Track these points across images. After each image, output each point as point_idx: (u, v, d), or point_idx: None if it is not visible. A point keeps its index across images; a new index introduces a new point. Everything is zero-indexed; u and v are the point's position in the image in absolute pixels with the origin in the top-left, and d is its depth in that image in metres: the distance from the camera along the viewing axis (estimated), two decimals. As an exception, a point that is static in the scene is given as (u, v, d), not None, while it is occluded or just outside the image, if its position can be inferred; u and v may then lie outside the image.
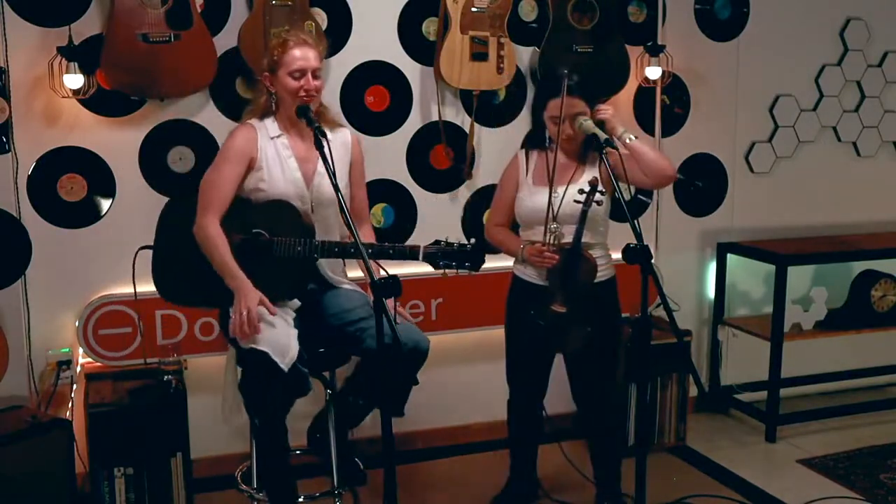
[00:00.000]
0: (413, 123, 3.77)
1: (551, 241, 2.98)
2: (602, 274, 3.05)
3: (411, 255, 2.70)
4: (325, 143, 2.53)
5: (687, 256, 4.36)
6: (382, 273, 2.43)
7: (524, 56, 3.85)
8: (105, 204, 3.42)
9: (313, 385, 2.78)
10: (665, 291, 2.73)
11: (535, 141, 3.16)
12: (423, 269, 2.82)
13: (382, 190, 3.71)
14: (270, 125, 2.83)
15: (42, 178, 3.33)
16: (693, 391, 4.09)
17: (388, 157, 3.70)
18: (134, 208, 3.40)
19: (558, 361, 3.20)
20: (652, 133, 4.13)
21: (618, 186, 2.82)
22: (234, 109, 3.45)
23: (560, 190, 2.99)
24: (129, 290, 3.37)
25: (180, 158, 3.47)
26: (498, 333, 3.27)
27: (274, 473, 2.85)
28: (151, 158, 3.44)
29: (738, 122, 4.33)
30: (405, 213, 3.82)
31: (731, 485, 3.63)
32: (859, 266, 4.42)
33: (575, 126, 2.94)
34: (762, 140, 4.39)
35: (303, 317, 2.79)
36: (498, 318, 3.26)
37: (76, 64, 3.16)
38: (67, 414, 3.34)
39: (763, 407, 4.17)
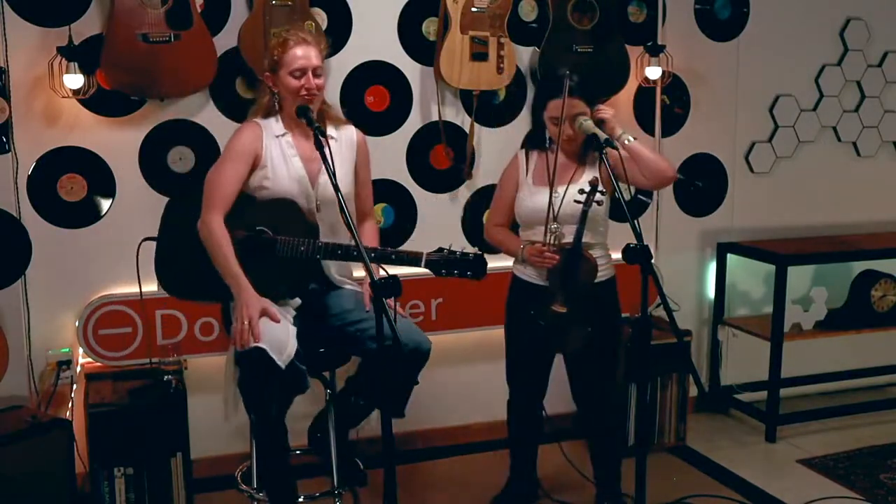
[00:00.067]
0: (413, 123, 3.77)
1: (551, 242, 2.98)
2: (602, 274, 3.05)
3: (413, 261, 2.71)
4: (325, 144, 2.53)
5: (687, 256, 4.36)
6: (382, 273, 2.43)
7: (524, 56, 3.85)
8: (105, 204, 3.42)
9: (314, 385, 2.78)
10: (665, 291, 2.73)
11: (535, 141, 3.16)
12: (423, 269, 2.82)
13: (382, 190, 3.71)
14: (275, 124, 2.83)
15: (42, 178, 3.33)
16: (693, 391, 4.09)
17: (388, 157, 3.70)
18: (134, 208, 3.40)
19: (558, 361, 3.20)
20: (652, 133, 4.13)
21: (618, 186, 2.82)
22: (234, 109, 3.46)
23: (560, 190, 2.99)
24: (129, 290, 3.38)
25: (180, 158, 3.48)
26: (498, 333, 3.27)
27: (274, 473, 2.85)
28: (151, 158, 3.44)
29: (738, 122, 4.33)
30: (405, 213, 3.82)
31: (731, 485, 3.63)
32: (859, 266, 4.42)
33: (575, 126, 2.95)
34: (762, 140, 4.39)
35: (304, 316, 2.79)
36: (498, 318, 3.26)
37: (76, 64, 3.16)
38: (67, 414, 3.34)
39: (763, 407, 4.17)
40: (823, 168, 4.53)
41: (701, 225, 4.35)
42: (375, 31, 3.65)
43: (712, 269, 4.40)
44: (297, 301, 2.80)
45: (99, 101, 3.31)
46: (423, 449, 3.93)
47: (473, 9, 3.57)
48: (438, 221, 3.84)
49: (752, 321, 4.35)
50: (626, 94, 4.02)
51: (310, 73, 2.73)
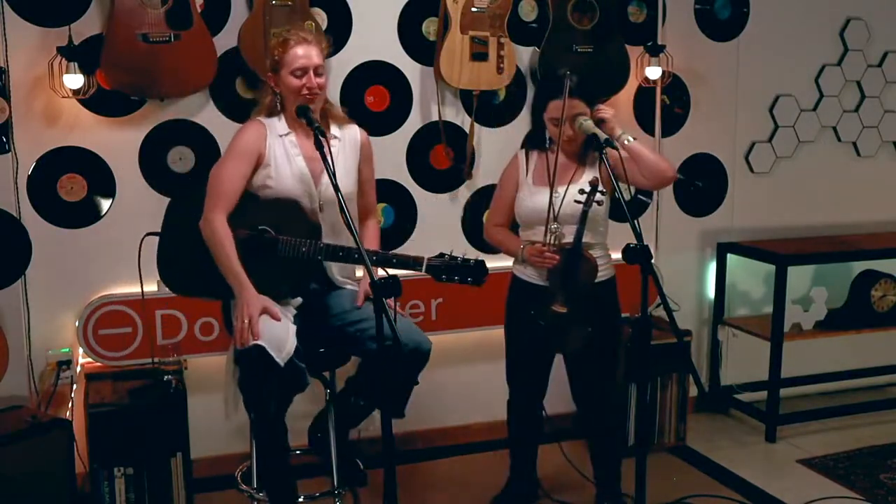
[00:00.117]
0: (413, 123, 3.77)
1: (551, 242, 2.98)
2: (602, 274, 3.05)
3: (414, 265, 2.71)
4: (324, 143, 2.53)
5: (687, 256, 4.36)
6: (382, 273, 2.43)
7: (524, 56, 3.85)
8: (105, 204, 3.42)
9: (313, 385, 2.78)
10: (665, 291, 2.73)
11: (534, 141, 3.16)
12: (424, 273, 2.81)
13: (382, 190, 3.69)
14: (279, 123, 2.82)
15: (42, 178, 3.33)
16: (693, 391, 4.09)
17: (388, 157, 3.70)
18: (134, 208, 3.40)
19: (558, 361, 3.20)
20: (652, 133, 4.13)
21: (618, 186, 2.81)
22: (234, 109, 3.46)
23: (560, 190, 2.99)
24: (129, 290, 3.38)
25: (180, 158, 3.48)
26: (498, 333, 3.27)
27: (274, 473, 2.85)
28: (151, 158, 3.44)
29: (738, 122, 4.33)
30: (405, 213, 3.82)
31: (731, 485, 3.63)
32: (859, 266, 4.42)
33: (575, 126, 2.95)
34: (762, 140, 4.39)
35: (304, 316, 2.79)
36: (498, 318, 3.26)
37: (76, 64, 3.16)
38: (67, 414, 3.34)
39: (763, 407, 4.17)
40: (823, 168, 4.53)
41: (701, 225, 4.35)
42: (375, 31, 3.65)
43: (712, 269, 4.40)
44: (298, 300, 2.81)
45: (99, 101, 3.31)
46: (423, 449, 3.93)
47: (473, 9, 3.57)
48: (438, 221, 3.84)
49: (752, 321, 4.35)
50: (626, 94, 4.02)
51: (311, 73, 2.73)
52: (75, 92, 3.20)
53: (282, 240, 2.71)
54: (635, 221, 2.62)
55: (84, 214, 3.40)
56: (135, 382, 3.31)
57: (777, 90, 4.36)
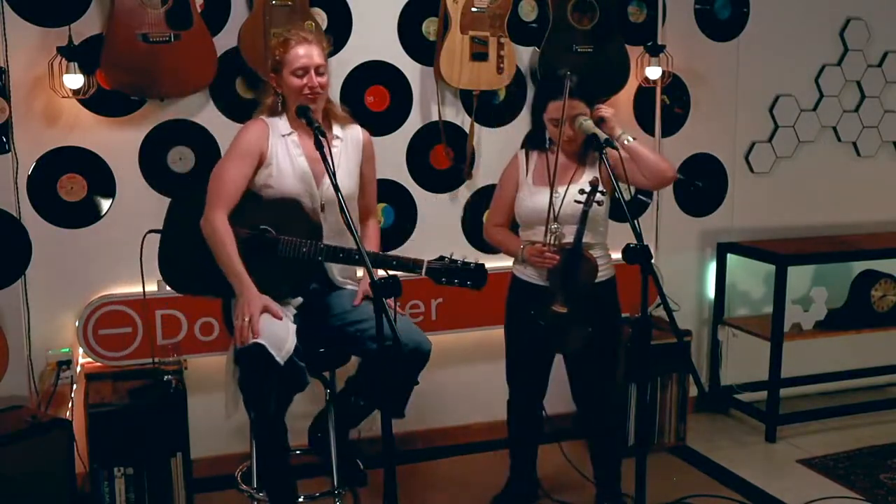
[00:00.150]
0: (413, 123, 3.77)
1: (552, 242, 2.98)
2: (602, 274, 3.05)
3: (414, 268, 2.71)
4: (324, 143, 2.54)
5: (687, 256, 4.36)
6: (382, 273, 2.43)
7: (524, 56, 3.85)
8: (105, 204, 3.42)
9: (313, 385, 2.78)
10: (665, 291, 2.73)
11: (534, 141, 3.16)
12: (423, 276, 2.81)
13: (382, 190, 3.69)
14: (281, 123, 2.82)
15: (42, 178, 3.33)
16: (693, 391, 4.09)
17: (388, 157, 3.70)
18: (134, 208, 3.40)
19: (558, 361, 3.20)
20: (652, 133, 4.13)
21: (618, 186, 2.81)
22: (234, 109, 3.46)
23: (560, 190, 2.99)
24: (129, 289, 3.38)
25: (180, 158, 3.48)
26: (498, 333, 3.27)
27: (274, 473, 2.85)
28: (151, 158, 3.44)
29: (738, 122, 4.33)
30: (405, 213, 3.82)
31: (731, 485, 3.63)
32: (859, 266, 4.43)
33: (575, 126, 2.95)
34: (762, 140, 4.39)
35: (304, 316, 2.79)
36: (498, 318, 3.26)
37: (76, 64, 3.16)
38: (67, 414, 3.34)
39: (763, 407, 4.17)
40: (823, 168, 4.53)
41: (701, 225, 4.35)
42: (375, 31, 3.65)
43: (712, 269, 4.40)
44: (299, 300, 2.81)
45: (99, 101, 3.31)
46: (423, 449, 3.93)
47: (473, 9, 3.57)
48: (438, 221, 3.84)
49: (752, 321, 4.35)
50: (626, 94, 4.02)
51: (312, 72, 2.73)
52: (75, 92, 3.20)
53: (282, 240, 2.71)
54: (635, 221, 2.62)
55: (84, 214, 3.40)
56: (135, 382, 3.31)
57: (777, 90, 4.36)
